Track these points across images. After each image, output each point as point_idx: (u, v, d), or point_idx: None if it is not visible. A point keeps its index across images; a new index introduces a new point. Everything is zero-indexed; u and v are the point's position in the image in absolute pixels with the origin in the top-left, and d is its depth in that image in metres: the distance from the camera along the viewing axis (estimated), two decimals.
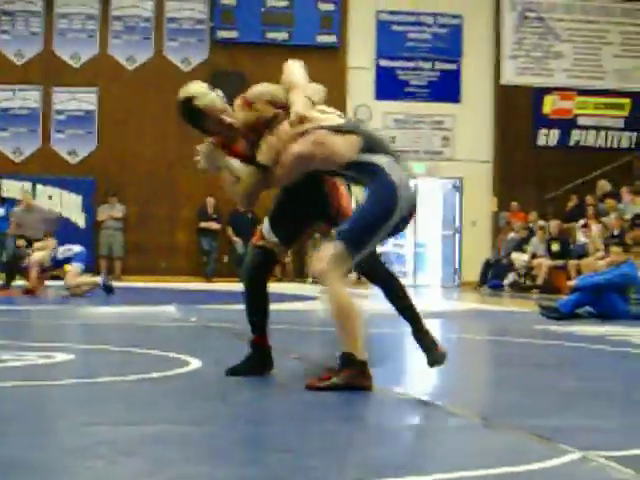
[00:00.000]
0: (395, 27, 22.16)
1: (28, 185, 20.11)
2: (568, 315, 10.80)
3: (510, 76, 22.53)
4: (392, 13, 22.14)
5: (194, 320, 9.64)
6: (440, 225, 23.24)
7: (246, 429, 3.96)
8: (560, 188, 21.67)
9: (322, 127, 4.87)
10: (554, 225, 19.26)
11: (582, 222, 19.06)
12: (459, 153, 22.22)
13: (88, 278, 13.66)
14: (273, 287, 5.58)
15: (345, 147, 4.80)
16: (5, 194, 19.69)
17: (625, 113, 22.97)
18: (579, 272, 16.49)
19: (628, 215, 17.79)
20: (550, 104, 22.64)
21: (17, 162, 20.67)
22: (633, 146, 22.89)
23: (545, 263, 18.62)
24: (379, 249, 5.18)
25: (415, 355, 5.24)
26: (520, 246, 20.05)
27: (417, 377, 5.75)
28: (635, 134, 22.98)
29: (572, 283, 11.90)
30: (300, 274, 20.55)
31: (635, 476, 3.07)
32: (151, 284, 18.47)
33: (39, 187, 20.48)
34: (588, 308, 11.10)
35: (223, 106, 5.02)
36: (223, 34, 21.38)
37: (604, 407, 4.66)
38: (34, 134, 20.85)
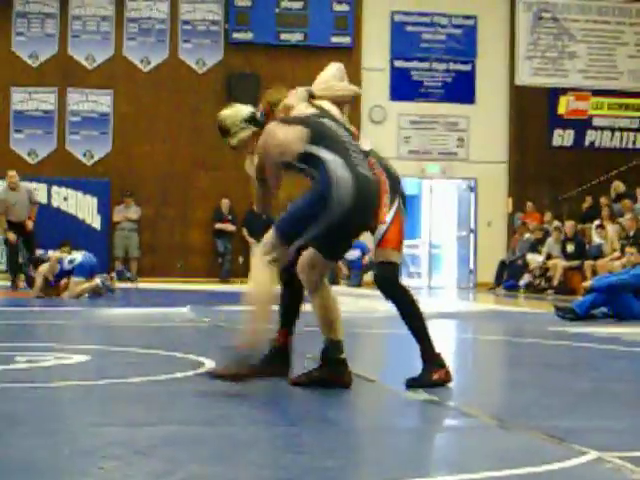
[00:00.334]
0: (409, 28, 22.12)
1: (43, 187, 20.19)
2: (584, 316, 10.76)
3: (525, 77, 22.47)
4: (406, 14, 22.10)
5: (208, 321, 9.66)
6: (455, 226, 23.19)
7: (260, 430, 3.96)
8: (575, 189, 21.61)
9: (275, 119, 4.99)
10: (569, 226, 19.19)
11: (597, 223, 19.01)
12: (474, 154, 22.16)
13: (87, 284, 13.69)
14: None
15: (291, 137, 4.85)
16: None
17: None
18: (594, 273, 16.45)
19: None
20: (565, 105, 22.57)
21: (32, 164, 20.70)
22: None
23: (560, 264, 18.57)
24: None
25: None
26: (535, 247, 20.01)
27: None
28: None
29: (587, 284, 11.87)
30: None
31: None
32: (166, 285, 18.48)
33: (54, 189, 20.52)
34: (603, 309, 11.06)
35: (252, 146, 5.11)
36: (238, 35, 21.37)
37: (618, 408, 4.65)
38: (49, 136, 20.89)
